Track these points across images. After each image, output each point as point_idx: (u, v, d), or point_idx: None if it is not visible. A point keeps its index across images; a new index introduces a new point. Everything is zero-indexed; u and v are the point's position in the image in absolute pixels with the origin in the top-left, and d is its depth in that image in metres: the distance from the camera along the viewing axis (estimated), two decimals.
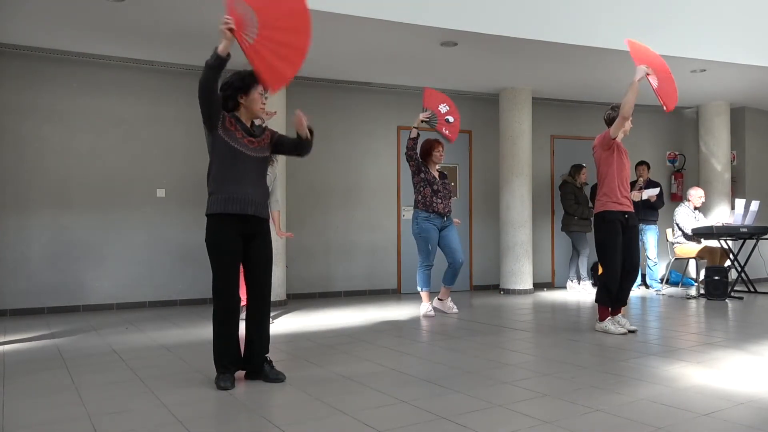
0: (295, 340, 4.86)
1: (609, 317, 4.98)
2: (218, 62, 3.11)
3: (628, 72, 7.34)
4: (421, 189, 5.85)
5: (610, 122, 5.07)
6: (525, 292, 7.87)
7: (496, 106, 8.28)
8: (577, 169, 7.99)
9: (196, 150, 7.08)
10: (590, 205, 7.93)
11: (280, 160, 6.86)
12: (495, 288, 8.24)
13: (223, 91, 3.35)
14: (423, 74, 7.49)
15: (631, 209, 5.01)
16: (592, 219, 7.96)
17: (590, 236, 8.01)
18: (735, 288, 7.44)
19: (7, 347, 4.52)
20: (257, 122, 3.63)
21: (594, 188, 8.05)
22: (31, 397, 3.14)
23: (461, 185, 8.35)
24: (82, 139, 6.58)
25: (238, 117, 3.38)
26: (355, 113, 7.86)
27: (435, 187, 5.85)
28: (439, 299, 6.19)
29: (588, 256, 7.91)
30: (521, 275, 7.86)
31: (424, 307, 5.95)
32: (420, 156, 5.95)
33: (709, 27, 6.80)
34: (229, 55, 3.13)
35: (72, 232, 6.47)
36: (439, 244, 5.94)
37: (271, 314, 6.10)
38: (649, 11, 6.48)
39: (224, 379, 3.31)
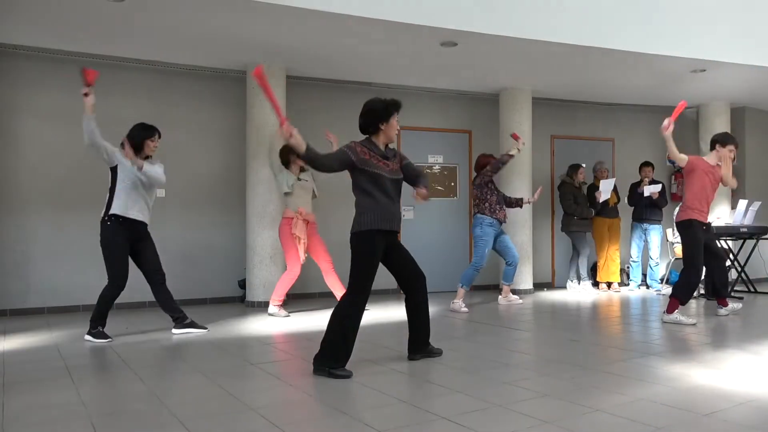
0: (295, 340, 4.86)
1: (678, 309, 5.30)
2: (308, 155, 3.47)
3: (628, 72, 7.39)
4: (488, 197, 6.40)
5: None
6: (525, 292, 7.86)
7: (496, 106, 8.28)
8: (574, 168, 7.98)
9: (195, 150, 7.09)
10: (588, 204, 7.92)
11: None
12: (495, 288, 8.23)
13: (364, 117, 3.78)
14: (423, 74, 7.49)
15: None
16: (591, 218, 8.00)
17: (590, 236, 8.03)
18: (735, 288, 7.43)
19: (7, 347, 4.52)
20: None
21: (591, 188, 8.05)
22: (31, 397, 3.14)
23: (461, 185, 8.35)
24: (82, 139, 6.55)
25: (374, 142, 3.73)
26: (355, 113, 7.78)
27: (499, 196, 6.48)
28: (503, 296, 6.90)
29: (588, 256, 7.90)
30: (521, 275, 7.85)
31: (460, 304, 6.29)
32: (476, 169, 6.60)
33: (709, 27, 6.79)
34: (308, 147, 3.44)
35: (72, 232, 6.47)
36: (494, 248, 6.59)
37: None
38: (649, 11, 6.47)
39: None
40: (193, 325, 5.06)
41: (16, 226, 6.29)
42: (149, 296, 6.64)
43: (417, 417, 2.77)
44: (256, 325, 5.48)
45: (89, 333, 4.77)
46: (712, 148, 5.58)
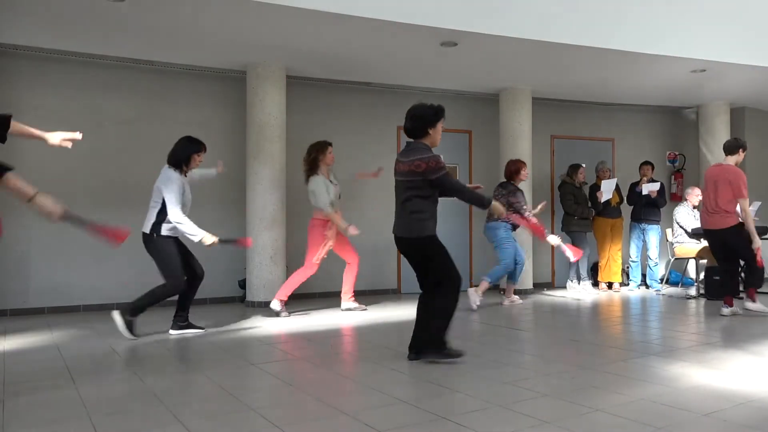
0: (295, 340, 4.86)
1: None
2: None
3: (628, 72, 7.40)
4: (509, 212, 6.48)
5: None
6: (525, 292, 7.86)
7: (496, 106, 8.28)
8: (574, 168, 7.97)
9: None
10: (589, 204, 7.91)
11: (280, 161, 6.87)
12: (495, 288, 8.23)
13: (413, 122, 3.90)
14: (423, 74, 7.49)
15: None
16: (592, 219, 7.99)
17: (590, 236, 8.02)
18: None
19: (7, 347, 4.52)
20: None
21: (592, 188, 8.05)
22: (31, 397, 3.14)
23: None
24: (82, 139, 6.54)
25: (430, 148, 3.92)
26: (355, 113, 7.85)
27: (518, 208, 6.59)
28: (507, 298, 6.97)
29: (588, 256, 7.89)
30: (521, 275, 7.84)
31: (477, 297, 6.42)
32: (506, 176, 6.78)
33: (709, 27, 6.79)
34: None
35: (72, 232, 6.44)
36: None
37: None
38: (649, 11, 6.47)
39: None
40: (189, 326, 5.07)
41: (16, 226, 6.29)
42: None
43: (417, 417, 2.77)
44: (256, 325, 5.48)
45: (123, 318, 4.76)
46: (735, 152, 5.94)
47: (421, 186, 3.81)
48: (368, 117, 7.91)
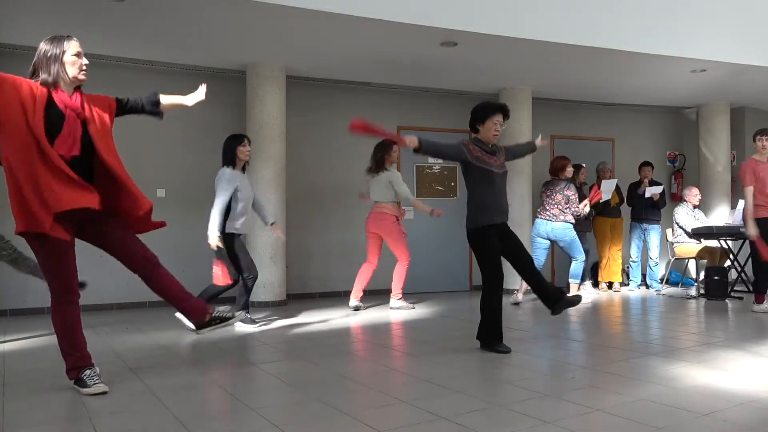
0: (295, 340, 4.86)
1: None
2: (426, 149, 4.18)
3: (628, 72, 7.39)
4: (574, 206, 6.82)
5: None
6: (525, 292, 7.85)
7: None
8: (575, 168, 7.96)
9: (196, 150, 7.09)
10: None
11: (280, 161, 6.88)
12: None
13: (470, 116, 4.28)
14: (423, 74, 7.49)
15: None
16: (592, 219, 7.99)
17: (590, 236, 8.02)
18: (735, 288, 7.43)
19: (7, 347, 4.52)
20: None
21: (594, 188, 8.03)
22: (31, 397, 3.14)
23: (461, 185, 8.33)
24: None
25: (481, 140, 4.22)
26: (355, 113, 7.81)
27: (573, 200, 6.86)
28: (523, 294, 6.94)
29: (588, 256, 7.88)
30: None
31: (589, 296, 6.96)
32: (552, 172, 6.94)
33: (709, 27, 6.79)
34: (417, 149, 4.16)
35: None
36: (543, 249, 6.94)
37: (270, 316, 6.09)
38: (649, 11, 6.47)
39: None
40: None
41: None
42: (149, 296, 6.67)
43: (417, 417, 2.77)
44: (256, 325, 5.47)
45: (242, 319, 5.04)
46: (753, 141, 6.07)
47: (466, 175, 4.19)
48: (368, 117, 7.87)
